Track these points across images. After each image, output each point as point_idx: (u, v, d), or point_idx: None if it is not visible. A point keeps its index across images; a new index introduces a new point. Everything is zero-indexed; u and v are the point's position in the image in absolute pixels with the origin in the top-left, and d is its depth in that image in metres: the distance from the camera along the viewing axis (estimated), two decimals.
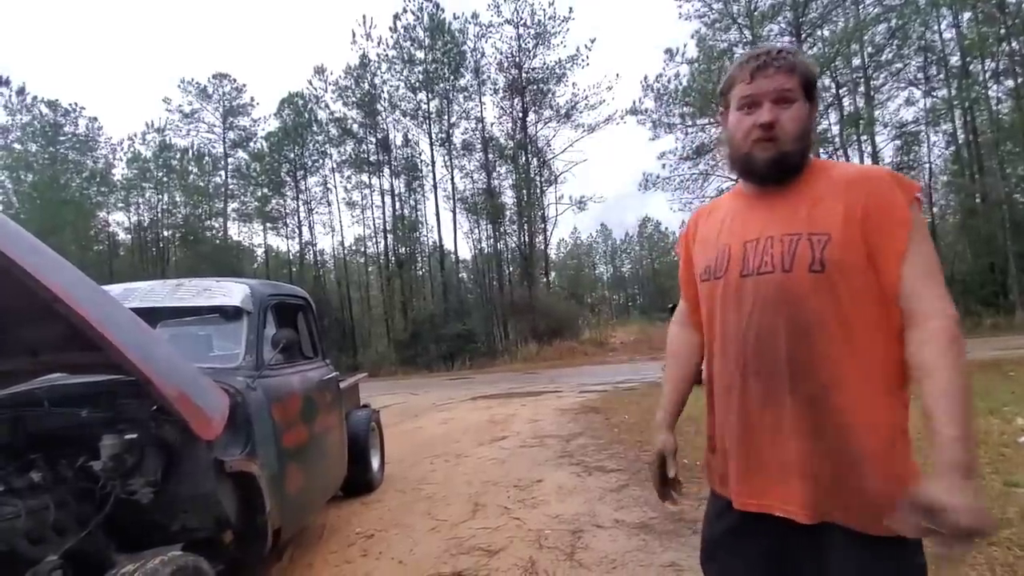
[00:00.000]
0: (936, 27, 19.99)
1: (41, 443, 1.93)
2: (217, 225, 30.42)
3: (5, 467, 1.77)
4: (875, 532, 0.91)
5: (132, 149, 30.02)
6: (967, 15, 19.30)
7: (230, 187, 29.96)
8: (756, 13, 20.03)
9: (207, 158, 30.09)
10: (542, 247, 26.84)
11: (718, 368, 1.10)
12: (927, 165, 21.70)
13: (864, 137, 20.82)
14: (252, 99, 30.06)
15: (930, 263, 0.92)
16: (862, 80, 20.48)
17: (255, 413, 2.27)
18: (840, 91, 21.18)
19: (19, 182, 27.28)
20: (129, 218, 30.92)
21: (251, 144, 29.84)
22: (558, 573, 2.48)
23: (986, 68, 19.70)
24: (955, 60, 19.89)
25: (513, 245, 25.94)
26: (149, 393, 1.84)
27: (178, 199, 30.36)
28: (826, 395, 0.94)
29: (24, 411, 2.04)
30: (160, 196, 30.28)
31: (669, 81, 21.95)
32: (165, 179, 29.97)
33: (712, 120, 21.04)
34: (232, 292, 2.67)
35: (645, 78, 23.81)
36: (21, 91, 27.36)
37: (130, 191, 30.07)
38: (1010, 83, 19.23)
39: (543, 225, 26.12)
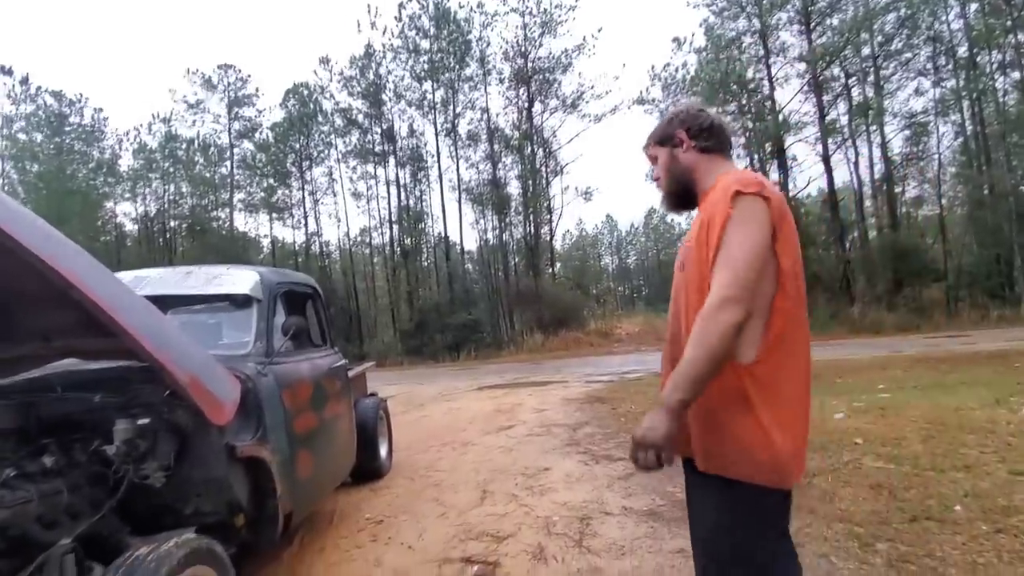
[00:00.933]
0: (945, 17, 19.64)
1: (54, 428, 1.95)
2: (223, 216, 30.50)
3: (18, 452, 1.80)
4: (703, 469, 1.20)
5: (138, 139, 30.06)
6: (974, 6, 18.96)
7: (236, 178, 29.99)
8: (765, 1, 19.75)
9: (213, 148, 30.08)
10: (547, 238, 26.77)
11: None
12: (936, 156, 21.43)
13: (873, 127, 20.58)
14: (257, 89, 29.98)
15: (732, 249, 1.10)
16: (871, 69, 20.20)
17: (266, 399, 2.28)
18: (849, 81, 20.93)
19: (25, 172, 27.37)
20: (136, 208, 31.04)
21: (256, 135, 29.80)
22: (567, 559, 2.50)
23: (993, 60, 19.39)
24: (963, 51, 19.57)
25: (518, 236, 25.87)
26: (162, 379, 1.85)
27: (184, 190, 30.42)
28: (676, 361, 1.16)
29: (37, 396, 2.06)
30: (167, 187, 30.35)
31: (676, 70, 21.78)
32: (171, 170, 30.01)
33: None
34: (242, 280, 2.68)
35: (652, 67, 23.77)
36: (24, 80, 27.37)
37: (137, 182, 30.14)
38: (1016, 75, 18.93)
39: (548, 216, 26.03)
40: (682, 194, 1.35)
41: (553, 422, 5.90)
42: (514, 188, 25.54)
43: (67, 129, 28.47)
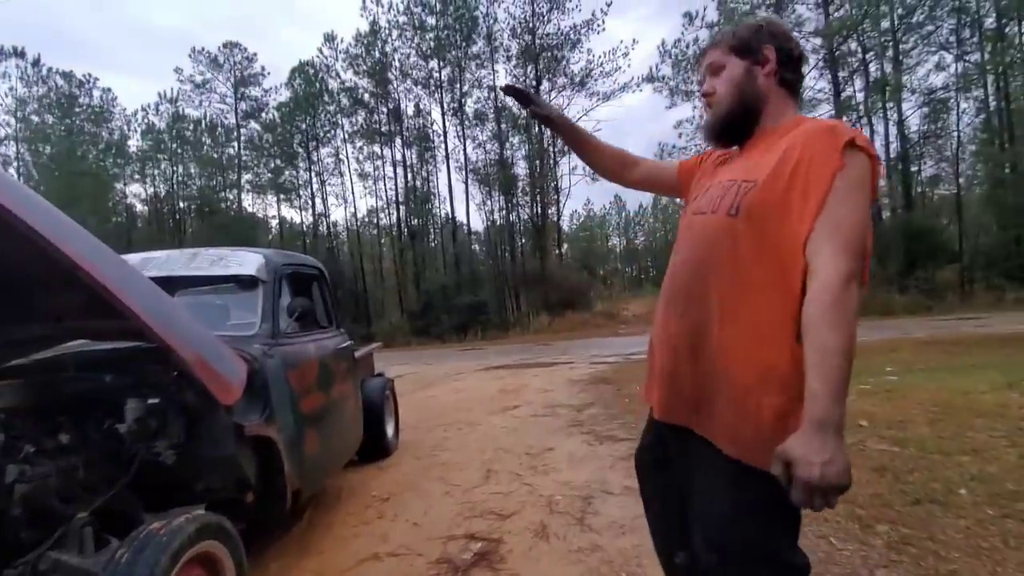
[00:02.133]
0: None
1: (68, 407, 2.00)
2: (231, 196, 30.62)
3: (35, 429, 1.84)
4: (727, 453, 0.98)
5: (146, 120, 30.11)
6: None
7: (243, 158, 30.02)
8: None
9: (220, 129, 30.08)
10: (555, 219, 26.67)
11: (662, 294, 1.21)
12: (955, 133, 20.96)
13: (890, 104, 20.10)
14: (263, 68, 29.82)
15: (847, 217, 0.89)
16: (891, 44, 19.64)
17: (272, 379, 2.31)
18: (866, 56, 20.37)
19: (37, 154, 27.56)
20: (145, 190, 31.27)
21: (263, 115, 29.74)
22: (568, 537, 2.54)
23: (1022, 31, 18.77)
24: (990, 22, 18.96)
25: (525, 217, 25.78)
26: (170, 359, 1.88)
27: (192, 171, 30.53)
28: (714, 329, 1.00)
29: (51, 376, 2.10)
30: (175, 168, 30.47)
31: (688, 46, 21.31)
32: (179, 150, 30.09)
33: None
34: (247, 261, 2.69)
35: (663, 43, 23.19)
36: (36, 62, 27.38)
37: (145, 163, 30.28)
38: None
39: (556, 196, 25.89)
40: (740, 122, 1.09)
41: (558, 403, 5.95)
42: (521, 168, 25.41)
43: (77, 110, 28.54)
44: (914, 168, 21.85)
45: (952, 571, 1.96)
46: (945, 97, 20.41)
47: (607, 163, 1.46)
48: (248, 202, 31.26)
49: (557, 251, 27.42)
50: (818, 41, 19.74)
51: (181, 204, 31.42)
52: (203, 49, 28.83)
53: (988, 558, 2.03)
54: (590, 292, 26.28)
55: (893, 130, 20.71)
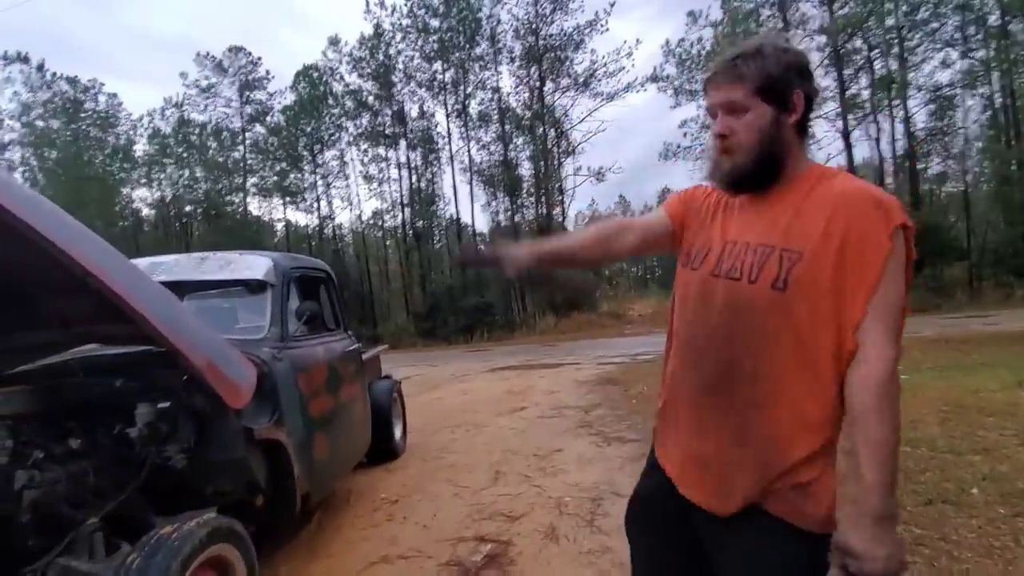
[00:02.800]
0: None
1: (78, 412, 2.01)
2: (237, 200, 30.75)
3: (45, 435, 1.85)
4: (779, 516, 0.94)
5: (152, 125, 30.28)
6: None
7: (249, 162, 30.15)
8: None
9: (225, 133, 30.21)
10: (560, 219, 26.58)
11: (673, 348, 1.14)
12: (962, 130, 20.79)
13: (896, 101, 19.96)
14: (268, 72, 29.93)
15: (895, 302, 0.89)
16: (896, 41, 19.51)
17: (281, 383, 2.32)
18: (872, 53, 20.24)
19: (44, 160, 27.78)
20: (152, 194, 31.41)
21: (268, 118, 29.85)
22: (578, 538, 2.53)
23: None
24: (995, 19, 18.80)
25: (531, 217, 25.75)
26: (179, 364, 1.89)
27: (199, 174, 30.68)
28: (759, 411, 0.95)
29: (60, 381, 2.12)
30: (181, 172, 30.62)
31: (692, 46, 21.24)
32: (185, 155, 30.24)
33: None
34: (255, 265, 2.70)
35: (667, 43, 23.02)
36: (41, 67, 27.60)
37: (152, 167, 30.45)
38: None
39: (561, 197, 25.82)
40: (758, 174, 0.99)
41: (565, 404, 5.94)
42: (526, 169, 25.38)
43: (82, 115, 28.75)
44: (921, 165, 21.69)
45: (965, 571, 1.95)
46: (951, 94, 20.25)
47: (596, 255, 1.28)
48: (254, 205, 31.42)
49: None
50: (823, 39, 19.66)
51: (188, 208, 31.59)
52: (208, 54, 29.00)
53: (1000, 557, 2.02)
54: (596, 292, 26.22)
55: (900, 127, 20.57)
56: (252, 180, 30.47)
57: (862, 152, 21.24)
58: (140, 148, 30.59)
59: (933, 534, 2.22)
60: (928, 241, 18.06)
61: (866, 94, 20.37)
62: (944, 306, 15.92)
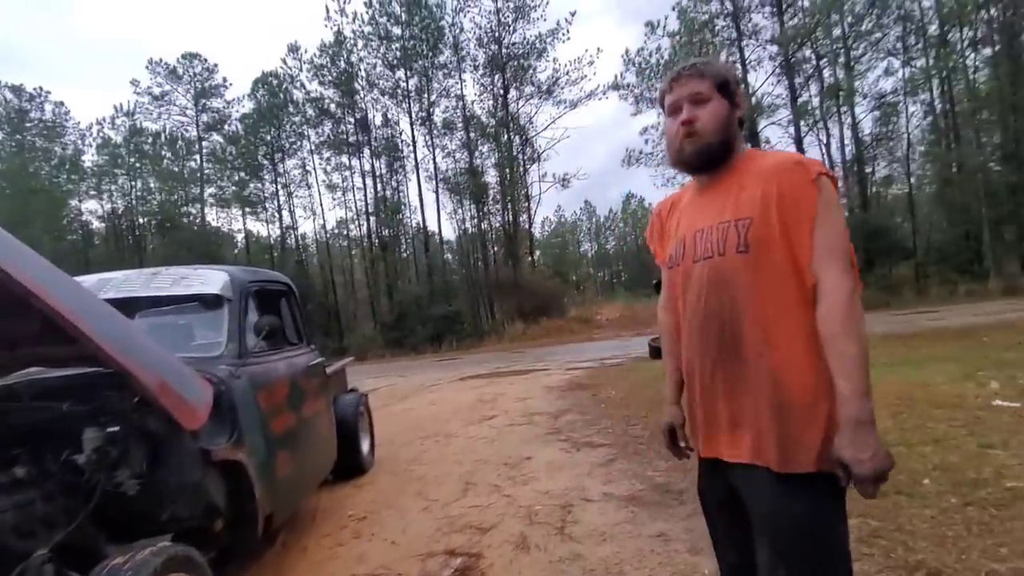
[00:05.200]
0: None
1: (24, 438, 1.90)
2: (194, 211, 29.84)
3: None
4: (792, 470, 1.04)
5: (101, 134, 29.17)
6: None
7: (206, 172, 29.31)
8: None
9: (180, 142, 29.33)
10: (526, 226, 26.76)
11: (684, 343, 1.25)
12: (905, 135, 21.91)
13: (844, 108, 20.91)
14: (225, 80, 29.26)
15: (835, 237, 1.04)
16: (842, 50, 20.46)
17: (240, 401, 2.24)
18: (820, 62, 21.17)
19: None
20: (102, 206, 30.20)
21: (226, 127, 29.11)
22: (549, 547, 2.53)
23: (964, 37, 19.80)
24: (933, 29, 19.94)
25: (497, 224, 25.83)
26: (130, 385, 1.81)
27: (152, 185, 29.66)
28: (759, 358, 1.08)
29: (4, 406, 2.00)
30: (133, 182, 29.54)
31: (651, 55, 21.81)
32: (138, 165, 29.20)
33: None
34: (211, 280, 2.62)
35: (627, 52, 23.60)
36: None
37: (102, 178, 29.27)
38: (987, 51, 19.40)
39: (527, 204, 26.00)
40: (717, 153, 1.17)
41: (535, 411, 5.94)
42: (491, 176, 25.48)
43: (28, 125, 27.44)
44: (868, 169, 22.74)
45: (920, 561, 2.02)
46: (895, 101, 21.36)
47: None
48: (212, 216, 30.55)
49: (529, 258, 27.51)
50: (774, 48, 20.45)
51: (141, 220, 30.44)
52: (161, 60, 28.13)
53: (953, 546, 2.09)
54: (563, 298, 26.44)
55: (848, 133, 21.55)
56: (210, 190, 29.66)
57: (814, 157, 21.99)
58: (89, 158, 29.42)
59: (888, 526, 2.30)
60: (876, 241, 18.95)
61: (816, 101, 21.30)
62: (893, 303, 16.67)
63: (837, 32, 20.29)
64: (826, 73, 21.25)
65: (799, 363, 1.06)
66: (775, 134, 21.36)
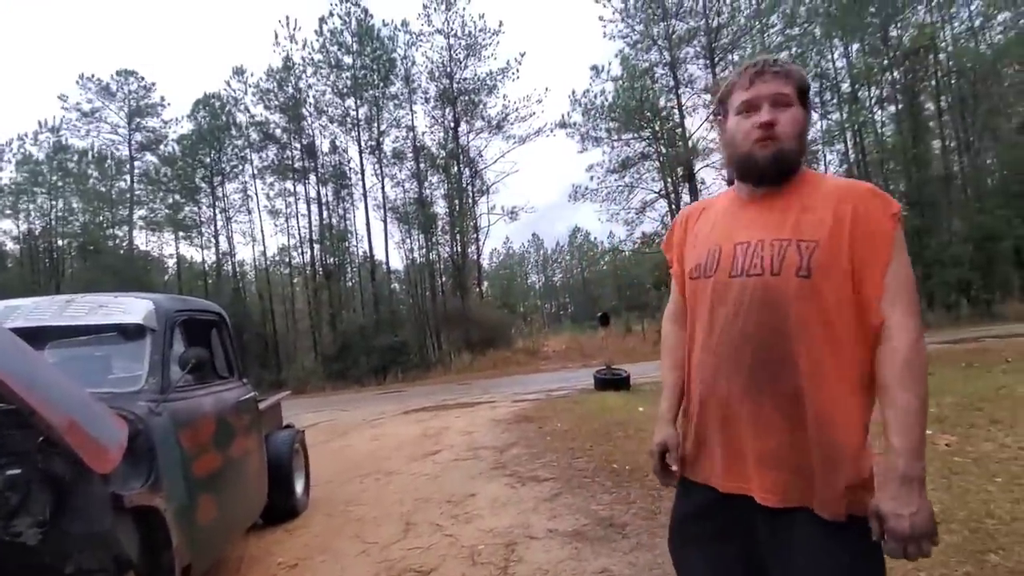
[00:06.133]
0: (830, 56, 22.09)
1: None
2: (121, 234, 28.05)
3: None
4: (837, 518, 0.97)
5: (22, 150, 27.16)
6: (855, 47, 21.49)
7: (136, 193, 27.73)
8: (674, 36, 21.24)
9: (110, 161, 27.73)
10: (475, 257, 26.82)
11: (701, 360, 1.13)
12: None
13: None
14: (163, 99, 28.11)
15: (906, 277, 0.98)
16: None
17: (159, 441, 2.08)
18: None
19: None
20: (18, 226, 27.87)
21: (161, 147, 27.81)
22: None
23: (872, 95, 21.98)
24: (846, 87, 22.04)
25: (445, 255, 25.75)
26: (34, 423, 1.64)
27: (75, 205, 27.73)
28: (806, 392, 0.99)
29: None
30: (54, 202, 27.53)
31: (596, 96, 22.75)
32: (60, 183, 27.30)
33: (636, 135, 22.03)
34: (133, 308, 2.44)
35: (573, 92, 24.52)
36: None
37: (19, 196, 27.13)
38: (892, 109, 21.61)
39: (475, 235, 26.12)
40: (793, 163, 1.07)
41: (480, 445, 5.84)
42: (441, 207, 25.50)
43: None
44: None
45: None
46: (815, 149, 23.23)
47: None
48: (141, 240, 28.79)
49: (477, 289, 27.48)
50: (708, 97, 21.89)
51: (60, 242, 28.29)
52: (93, 76, 26.74)
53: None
54: (511, 329, 26.48)
55: None
56: (140, 212, 28.01)
57: None
58: (6, 175, 27.24)
59: None
60: None
61: None
62: None
63: None
64: None
65: (847, 403, 0.98)
66: (710, 175, 22.66)
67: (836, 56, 22.09)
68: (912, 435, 0.91)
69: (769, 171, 1.07)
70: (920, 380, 0.93)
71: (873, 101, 21.95)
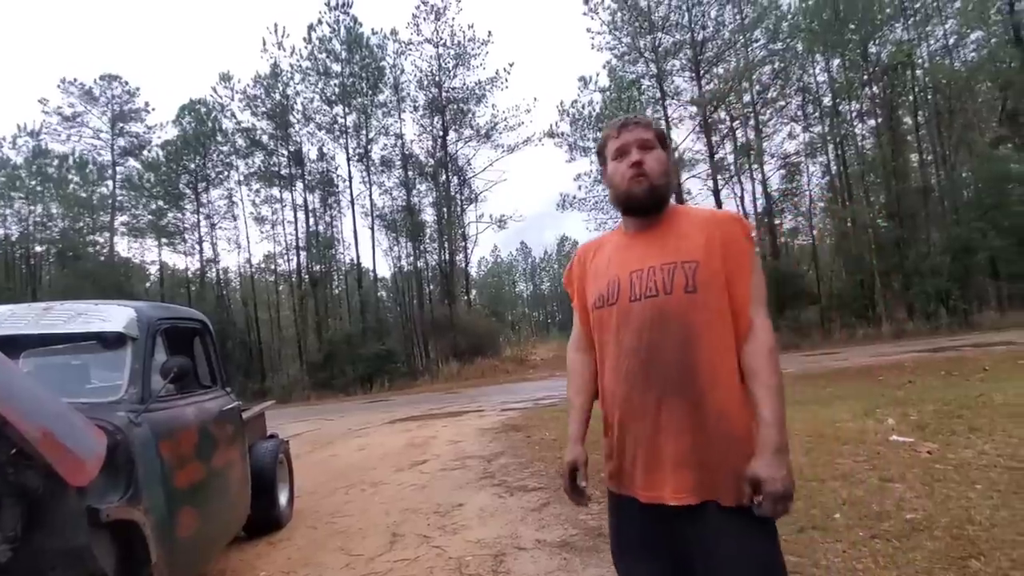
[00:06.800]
0: (812, 71, 22.60)
1: None
2: (102, 240, 27.58)
3: None
4: (739, 502, 1.09)
5: None
6: (836, 62, 21.99)
7: (119, 198, 27.33)
8: (660, 49, 21.58)
9: (91, 166, 27.30)
10: (463, 265, 26.82)
11: (612, 381, 1.25)
12: (807, 192, 24.24)
13: (755, 166, 22.91)
14: (147, 104, 27.81)
15: (762, 286, 1.20)
16: (752, 114, 22.60)
17: (139, 452, 2.03)
18: (734, 124, 23.24)
19: None
20: None
21: (145, 153, 27.47)
22: None
23: (852, 109, 22.48)
24: (828, 101, 22.53)
25: (433, 263, 25.71)
26: (7, 434, 1.59)
27: (55, 210, 27.22)
28: (707, 394, 1.13)
29: None
30: (32, 207, 27.00)
31: (583, 107, 23.04)
32: (39, 188, 26.81)
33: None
34: (113, 316, 2.39)
35: (561, 103, 24.85)
36: None
37: None
38: (872, 122, 22.11)
39: (463, 243, 26.14)
40: (663, 196, 1.27)
41: (468, 454, 5.79)
42: (429, 215, 25.50)
43: None
44: (777, 221, 24.86)
45: None
46: (797, 161, 23.71)
47: (593, 397, 1.42)
48: (123, 246, 28.34)
49: (465, 297, 27.45)
50: (693, 109, 22.25)
51: (38, 248, 27.73)
52: (76, 80, 26.38)
53: None
54: (499, 338, 26.44)
55: (759, 187, 23.54)
56: (122, 218, 27.58)
57: (730, 208, 23.86)
58: None
59: (806, 561, 2.39)
60: (787, 287, 20.50)
61: (731, 158, 23.21)
62: (802, 345, 17.94)
63: (748, 98, 22.44)
64: (739, 133, 23.36)
65: (738, 398, 1.14)
66: (695, 186, 22.97)
67: (818, 71, 22.61)
68: (779, 409, 1.09)
69: (646, 203, 1.25)
70: (778, 363, 1.14)
71: (854, 115, 22.46)
